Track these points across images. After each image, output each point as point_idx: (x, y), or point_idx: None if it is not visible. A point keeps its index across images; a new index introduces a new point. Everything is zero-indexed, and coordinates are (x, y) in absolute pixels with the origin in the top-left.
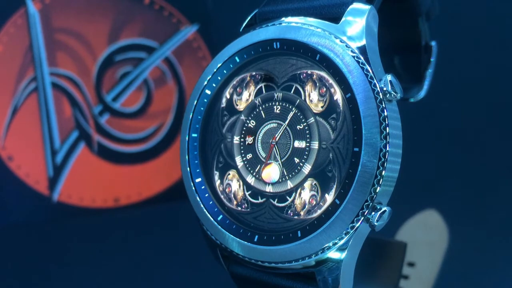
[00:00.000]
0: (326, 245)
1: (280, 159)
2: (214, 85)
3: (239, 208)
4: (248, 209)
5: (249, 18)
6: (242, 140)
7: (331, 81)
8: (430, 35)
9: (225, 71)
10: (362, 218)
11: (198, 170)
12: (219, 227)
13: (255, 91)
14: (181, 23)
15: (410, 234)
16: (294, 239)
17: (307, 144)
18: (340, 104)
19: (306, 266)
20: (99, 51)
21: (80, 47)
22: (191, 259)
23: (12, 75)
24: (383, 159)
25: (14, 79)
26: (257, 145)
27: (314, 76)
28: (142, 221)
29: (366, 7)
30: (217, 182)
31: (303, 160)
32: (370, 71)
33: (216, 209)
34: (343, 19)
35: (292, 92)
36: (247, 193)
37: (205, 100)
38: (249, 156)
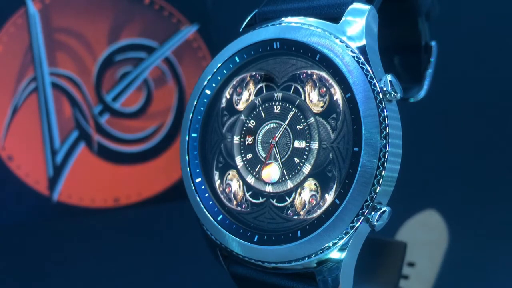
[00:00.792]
0: (326, 245)
1: (280, 159)
2: (214, 85)
3: (239, 208)
4: (248, 209)
5: (249, 18)
6: (242, 140)
7: (331, 81)
8: (430, 35)
9: (225, 71)
10: (362, 218)
11: (198, 170)
12: (219, 227)
13: (255, 91)
14: (181, 23)
15: (410, 234)
16: (294, 239)
17: (307, 144)
18: (340, 104)
19: (306, 266)
20: (99, 51)
21: (80, 47)
22: (191, 259)
23: (12, 75)
24: (383, 159)
25: (14, 79)
26: (257, 145)
27: (314, 76)
28: (142, 221)
29: (366, 7)
30: (217, 182)
31: (303, 160)
32: (370, 71)
33: (216, 209)
34: (343, 19)
35: (292, 92)
36: (247, 193)
37: (205, 100)
38: (249, 156)
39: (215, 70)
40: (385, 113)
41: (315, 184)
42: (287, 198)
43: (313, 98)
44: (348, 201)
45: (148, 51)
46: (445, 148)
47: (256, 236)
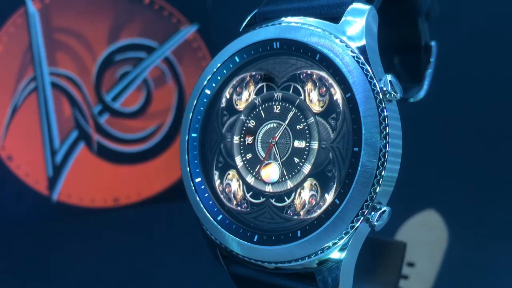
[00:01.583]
0: (326, 245)
1: (280, 159)
2: (214, 85)
3: (239, 208)
4: (248, 209)
5: (249, 18)
6: (241, 140)
7: (331, 81)
8: (430, 35)
9: (225, 71)
10: (362, 218)
11: (197, 170)
12: (219, 227)
13: (255, 91)
14: (181, 23)
15: (410, 234)
16: (294, 239)
17: (307, 144)
18: (340, 104)
19: (306, 266)
20: (99, 51)
21: (79, 47)
22: (191, 259)
23: (12, 74)
24: (383, 159)
25: (13, 79)
26: (257, 145)
27: (314, 76)
28: (141, 221)
29: (366, 7)
30: (217, 182)
31: (302, 160)
32: (370, 71)
33: (215, 209)
34: (343, 19)
35: (292, 92)
36: (246, 193)
37: (205, 100)
38: (249, 156)
39: (215, 70)
40: (385, 113)
41: (315, 184)
42: (287, 198)
43: (313, 98)
44: (348, 201)
45: (148, 51)
46: (445, 148)
47: (256, 236)
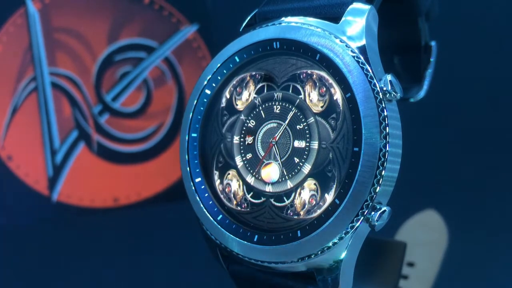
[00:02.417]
0: (326, 245)
1: (280, 159)
2: (214, 85)
3: (239, 208)
4: (248, 209)
5: (249, 18)
6: (242, 140)
7: (331, 81)
8: (430, 35)
9: (225, 71)
10: (362, 218)
11: (197, 170)
12: (219, 226)
13: (255, 91)
14: (181, 23)
15: (410, 234)
16: (294, 239)
17: (307, 144)
18: (340, 104)
19: (306, 266)
20: (99, 51)
21: (79, 47)
22: (191, 259)
23: (12, 74)
24: (383, 159)
25: (13, 79)
26: (257, 145)
27: (314, 76)
28: (141, 221)
29: (366, 7)
30: (217, 182)
31: (302, 160)
32: (370, 71)
33: (215, 209)
34: (343, 19)
35: (292, 92)
36: (246, 193)
37: (205, 100)
38: (249, 156)
39: (215, 70)
40: (385, 113)
41: (315, 184)
42: (287, 198)
43: (313, 98)
44: (348, 201)
45: (147, 51)
46: (445, 148)
47: (256, 236)
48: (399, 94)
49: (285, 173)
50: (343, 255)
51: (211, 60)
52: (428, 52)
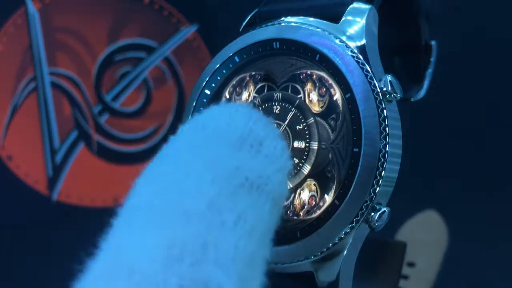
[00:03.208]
0: (326, 245)
1: None
2: (213, 85)
3: None
4: None
5: (248, 17)
6: None
7: (330, 81)
8: (430, 35)
9: (224, 71)
10: (362, 218)
11: None
12: None
13: (254, 91)
14: (181, 23)
15: (410, 234)
16: (294, 240)
17: (307, 145)
18: (340, 105)
19: (306, 266)
20: (99, 51)
21: (79, 47)
22: None
23: (12, 74)
24: (382, 160)
25: (13, 79)
26: None
27: (314, 76)
28: None
29: (366, 6)
30: None
31: (302, 161)
32: (370, 71)
33: None
34: (343, 18)
35: (291, 92)
36: None
37: (205, 100)
38: None
39: (214, 70)
40: (385, 114)
41: (314, 184)
42: (286, 198)
43: (312, 98)
44: (347, 201)
45: (147, 51)
46: (445, 148)
47: None
48: (399, 95)
49: None
50: (343, 256)
51: (211, 60)
52: (428, 52)
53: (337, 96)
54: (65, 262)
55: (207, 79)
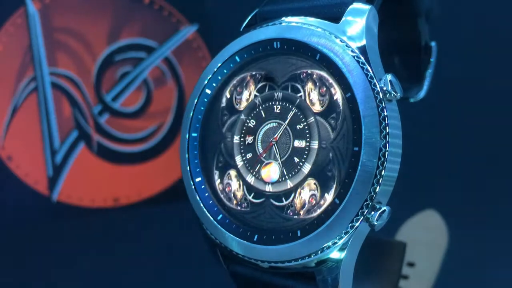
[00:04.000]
0: (326, 244)
1: (280, 159)
2: (214, 84)
3: (239, 208)
4: (248, 209)
5: (249, 17)
6: (242, 139)
7: (331, 80)
8: (430, 35)
9: (225, 71)
10: (362, 217)
11: (198, 169)
12: (219, 226)
13: (255, 90)
14: (181, 23)
15: (410, 234)
16: (294, 239)
17: (307, 144)
18: (340, 104)
19: (306, 265)
20: (99, 51)
21: (79, 47)
22: (191, 259)
23: (12, 74)
24: (382, 159)
25: (13, 79)
26: (257, 144)
27: (314, 76)
28: (141, 221)
29: (366, 7)
30: (217, 182)
31: (303, 160)
32: (370, 71)
33: (215, 208)
34: (343, 19)
35: (292, 91)
36: (247, 193)
37: (205, 100)
38: (249, 155)
39: (215, 69)
40: (385, 113)
41: (314, 183)
42: (286, 197)
43: (313, 98)
44: (347, 200)
45: (147, 51)
46: (445, 148)
47: (256, 236)
48: (399, 94)
49: (285, 173)
50: (343, 255)
51: (211, 60)
52: (428, 52)
53: (338, 95)
54: (65, 262)
55: (208, 78)
